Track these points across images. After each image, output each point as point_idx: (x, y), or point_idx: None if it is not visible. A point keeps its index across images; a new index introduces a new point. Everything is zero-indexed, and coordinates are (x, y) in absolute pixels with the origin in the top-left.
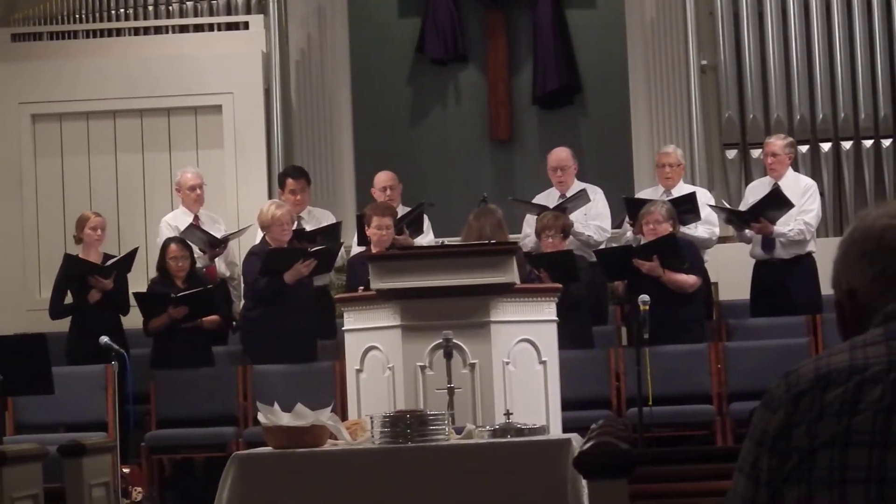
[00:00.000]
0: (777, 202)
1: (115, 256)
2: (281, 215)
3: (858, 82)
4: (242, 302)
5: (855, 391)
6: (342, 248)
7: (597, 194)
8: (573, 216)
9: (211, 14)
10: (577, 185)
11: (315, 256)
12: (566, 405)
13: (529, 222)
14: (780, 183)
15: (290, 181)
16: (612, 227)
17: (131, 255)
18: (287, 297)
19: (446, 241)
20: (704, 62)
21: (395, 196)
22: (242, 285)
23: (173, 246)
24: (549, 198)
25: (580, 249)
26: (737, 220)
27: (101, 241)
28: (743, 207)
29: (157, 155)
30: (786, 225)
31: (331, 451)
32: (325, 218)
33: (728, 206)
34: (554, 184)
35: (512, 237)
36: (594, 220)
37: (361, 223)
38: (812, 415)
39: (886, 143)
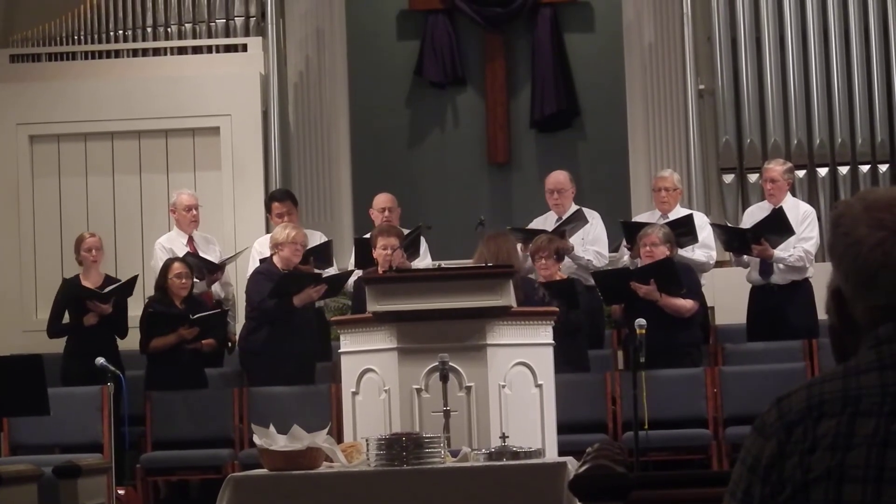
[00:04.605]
0: (779, 226)
1: (115, 277)
2: (296, 235)
3: (855, 107)
4: (239, 323)
5: (848, 424)
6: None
7: (594, 219)
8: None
9: (209, 36)
10: (573, 208)
11: (326, 282)
12: (562, 429)
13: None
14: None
15: (276, 205)
16: (609, 252)
17: (131, 282)
18: (289, 319)
19: (443, 264)
20: (702, 87)
21: (393, 218)
22: (239, 306)
23: (177, 264)
24: (546, 221)
25: (578, 273)
26: (737, 240)
27: (98, 261)
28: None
29: (154, 176)
30: (785, 251)
31: (326, 473)
32: (314, 239)
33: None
34: (551, 206)
35: None
36: (592, 244)
37: (359, 246)
38: (805, 446)
39: (883, 168)
